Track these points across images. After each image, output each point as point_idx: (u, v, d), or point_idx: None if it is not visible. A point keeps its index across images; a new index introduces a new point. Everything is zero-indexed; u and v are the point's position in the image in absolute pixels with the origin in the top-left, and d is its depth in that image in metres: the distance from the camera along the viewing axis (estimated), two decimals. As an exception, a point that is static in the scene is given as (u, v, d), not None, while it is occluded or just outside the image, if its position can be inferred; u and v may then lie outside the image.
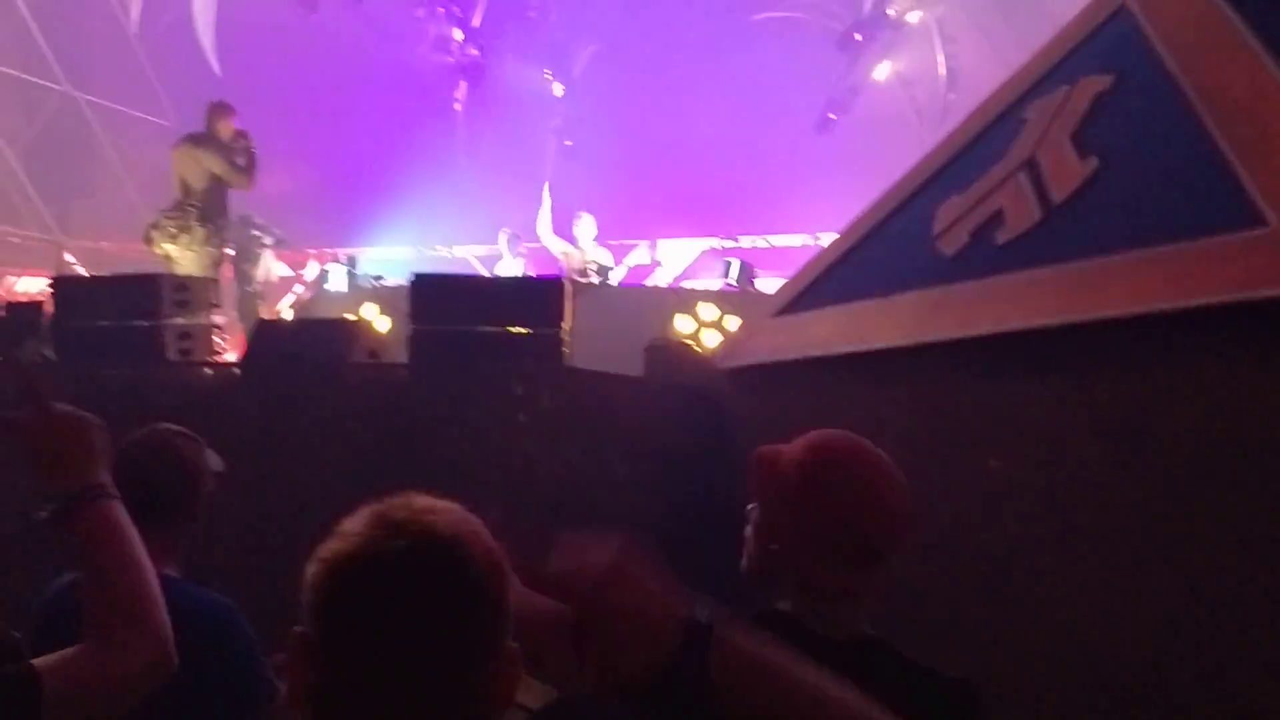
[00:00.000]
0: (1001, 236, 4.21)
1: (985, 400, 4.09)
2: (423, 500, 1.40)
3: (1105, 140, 3.95)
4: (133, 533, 1.83)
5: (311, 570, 1.35)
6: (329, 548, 1.35)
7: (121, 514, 1.83)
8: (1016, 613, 3.70)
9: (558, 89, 18.47)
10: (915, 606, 4.23)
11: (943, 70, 17.12)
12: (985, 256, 4.27)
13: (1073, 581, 3.49)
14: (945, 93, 17.08)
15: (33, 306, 7.32)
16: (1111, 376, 3.58)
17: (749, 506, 2.05)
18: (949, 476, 4.20)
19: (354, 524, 1.38)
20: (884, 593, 2.00)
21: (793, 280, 6.19)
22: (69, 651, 1.76)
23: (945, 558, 4.11)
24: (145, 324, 6.43)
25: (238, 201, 10.00)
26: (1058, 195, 3.98)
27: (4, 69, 16.63)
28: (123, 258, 17.53)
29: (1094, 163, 3.88)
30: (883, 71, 17.15)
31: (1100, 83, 4.12)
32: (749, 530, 2.03)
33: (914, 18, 16.34)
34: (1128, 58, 4.13)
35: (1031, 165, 4.24)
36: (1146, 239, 3.47)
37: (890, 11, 16.07)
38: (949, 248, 4.54)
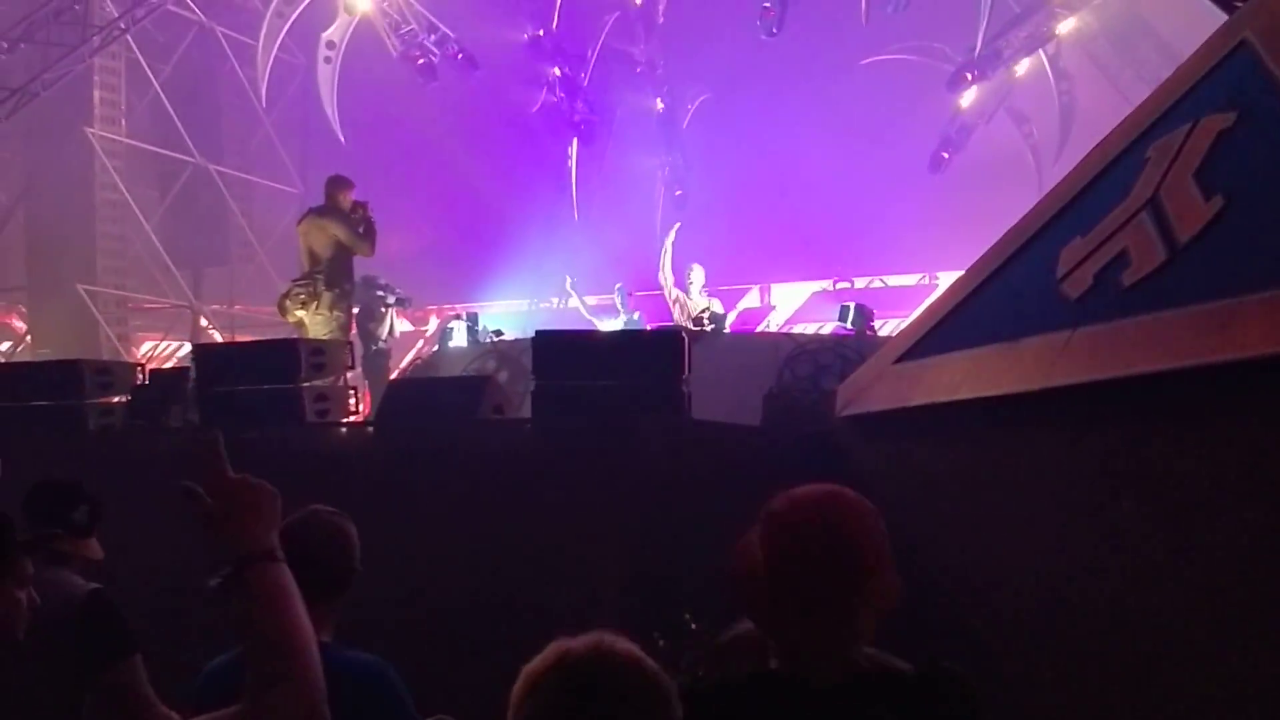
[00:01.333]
0: (1127, 278, 4.15)
1: (1114, 445, 4.02)
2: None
3: (1230, 179, 3.88)
4: (297, 596, 1.89)
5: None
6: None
7: (287, 578, 1.90)
8: (1144, 670, 3.62)
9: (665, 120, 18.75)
10: (1037, 650, 4.17)
11: (1057, 106, 16.90)
12: (1111, 299, 4.21)
13: (1214, 640, 3.40)
14: (1060, 129, 16.85)
15: (177, 374, 7.67)
16: (1245, 419, 3.50)
17: None
18: (1078, 523, 4.14)
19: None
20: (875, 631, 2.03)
21: (912, 325, 6.17)
22: (225, 712, 1.85)
23: (1072, 605, 4.05)
24: (284, 387, 6.69)
25: (362, 263, 10.36)
26: (1183, 235, 3.92)
27: (141, 144, 17.47)
28: (254, 320, 18.25)
29: (1219, 202, 3.82)
30: (996, 109, 17.02)
31: (1223, 120, 4.06)
32: None
33: (1026, 55, 16.18)
34: (1251, 94, 4.06)
35: (1155, 205, 4.18)
36: (1277, 279, 3.40)
37: (1002, 50, 15.94)
38: (1073, 290, 4.49)
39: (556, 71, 18.78)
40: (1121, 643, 3.81)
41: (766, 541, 2.06)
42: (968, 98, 16.75)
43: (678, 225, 12.54)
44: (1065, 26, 15.67)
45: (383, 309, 11.91)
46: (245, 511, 1.90)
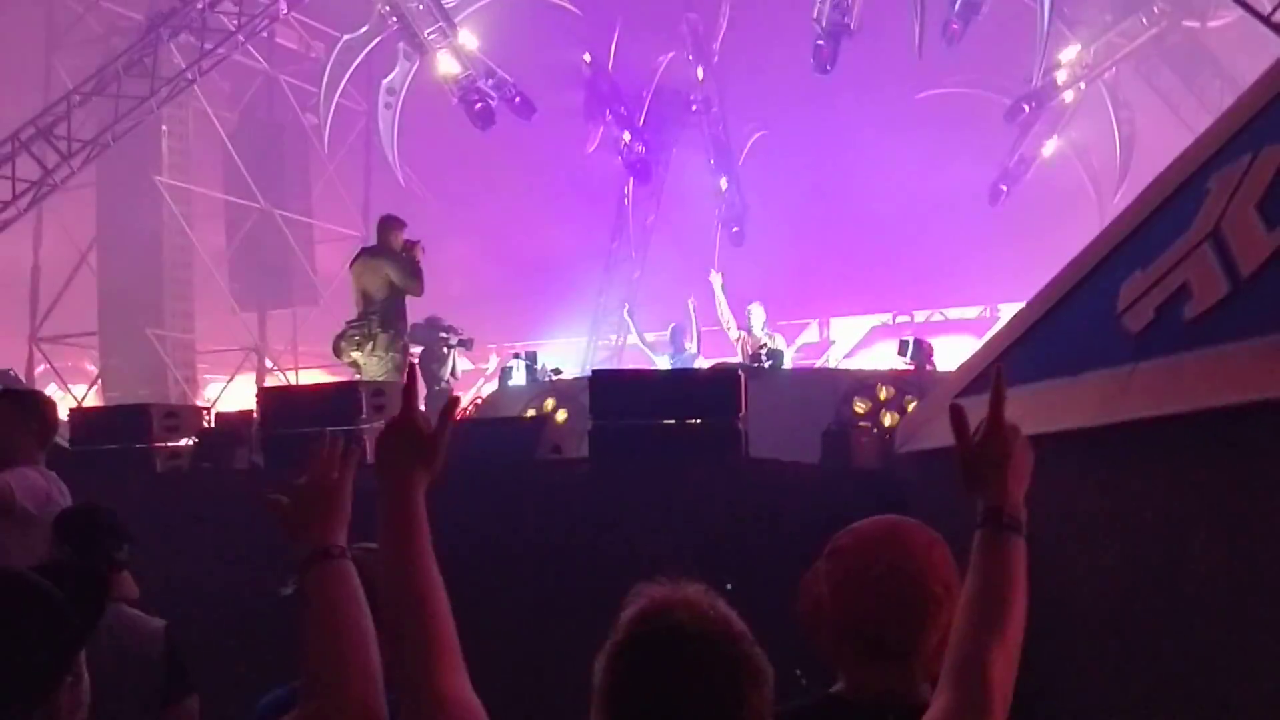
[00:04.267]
0: (1189, 312, 4.09)
1: (1181, 483, 3.95)
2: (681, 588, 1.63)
3: (1295, 210, 3.81)
4: (357, 597, 1.87)
5: (599, 659, 1.56)
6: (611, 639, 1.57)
7: (352, 575, 1.88)
8: (1207, 707, 3.53)
9: (722, 183, 18.82)
10: (1100, 685, 4.09)
11: (1118, 136, 16.73)
12: (1173, 333, 4.15)
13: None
14: (1121, 158, 16.67)
15: (242, 417, 7.79)
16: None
17: None
18: (1143, 563, 4.06)
19: (627, 613, 1.60)
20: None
21: (971, 361, 6.10)
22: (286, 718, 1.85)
23: (1139, 649, 3.97)
24: (345, 429, 6.75)
25: (425, 304, 10.47)
26: (1246, 268, 3.85)
27: (208, 191, 17.87)
28: (318, 362, 18.53)
29: (1283, 233, 3.75)
30: (1054, 141, 16.89)
31: (1286, 150, 3.99)
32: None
33: (1084, 85, 16.05)
34: (1313, 123, 4.00)
35: (1217, 237, 4.12)
36: (1346, 311, 3.34)
37: (1060, 80, 15.83)
38: (1134, 325, 4.43)
39: (615, 118, 18.95)
40: (1187, 679, 3.73)
41: (832, 578, 2.04)
42: (1026, 130, 16.65)
43: (720, 275, 12.60)
44: (1124, 57, 15.55)
45: (445, 350, 12.01)
46: (315, 509, 1.91)
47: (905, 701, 1.97)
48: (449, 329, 11.97)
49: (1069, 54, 15.83)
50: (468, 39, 15.39)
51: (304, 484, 1.93)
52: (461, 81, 15.29)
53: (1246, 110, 4.48)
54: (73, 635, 1.76)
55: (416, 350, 11.53)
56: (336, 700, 1.78)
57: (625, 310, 14.17)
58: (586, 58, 18.62)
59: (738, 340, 12.38)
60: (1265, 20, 6.17)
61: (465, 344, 12.36)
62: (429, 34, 15.20)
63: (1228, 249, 4.03)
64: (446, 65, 15.30)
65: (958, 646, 1.81)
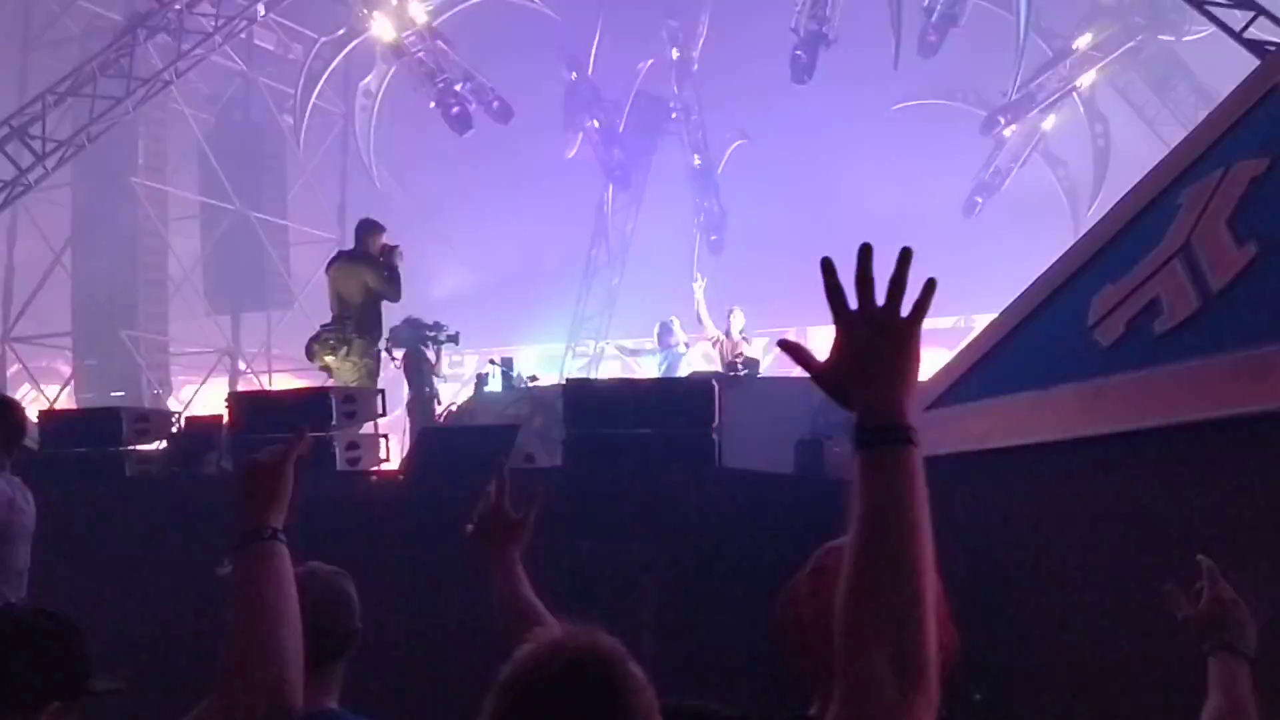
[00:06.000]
0: (1159, 326, 4.12)
1: (1149, 495, 3.97)
2: (580, 629, 1.51)
3: (1263, 226, 3.85)
4: (285, 580, 1.85)
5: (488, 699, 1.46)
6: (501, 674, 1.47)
7: (281, 558, 1.87)
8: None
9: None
10: (1092, 700, 4.09)
11: (1092, 149, 16.85)
12: (1143, 347, 4.18)
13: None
14: (1095, 171, 16.79)
15: (212, 421, 7.73)
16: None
17: None
18: (1110, 573, 4.08)
19: (521, 651, 1.48)
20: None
21: (942, 372, 6.11)
22: (199, 707, 1.84)
23: (1106, 660, 3.98)
24: (316, 435, 6.68)
25: (400, 306, 10.39)
26: (1216, 283, 3.89)
27: (183, 192, 17.75)
28: (291, 365, 18.40)
29: (1252, 249, 3.78)
30: (1029, 154, 17.00)
31: (1256, 166, 4.03)
32: None
33: (1060, 98, 16.17)
34: (1284, 139, 4.03)
35: (1188, 252, 4.15)
36: (1314, 327, 3.36)
37: (1036, 93, 15.94)
38: (1105, 338, 4.45)
39: (595, 124, 18.95)
40: (1168, 683, 3.74)
41: (817, 599, 1.98)
42: (1001, 142, 16.74)
43: (704, 280, 12.55)
44: (1099, 70, 15.66)
45: (434, 347, 11.78)
46: (256, 490, 1.91)
47: None
48: (433, 326, 11.77)
49: (1045, 67, 15.94)
50: (417, 10, 15.31)
51: (246, 463, 1.93)
52: (439, 85, 15.22)
53: (1218, 126, 4.52)
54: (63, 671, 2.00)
55: (399, 353, 11.37)
56: (248, 682, 1.75)
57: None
58: (566, 64, 18.63)
59: (715, 343, 12.36)
60: (1236, 36, 6.23)
61: (453, 339, 12.13)
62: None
63: (1198, 264, 4.06)
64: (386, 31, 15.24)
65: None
